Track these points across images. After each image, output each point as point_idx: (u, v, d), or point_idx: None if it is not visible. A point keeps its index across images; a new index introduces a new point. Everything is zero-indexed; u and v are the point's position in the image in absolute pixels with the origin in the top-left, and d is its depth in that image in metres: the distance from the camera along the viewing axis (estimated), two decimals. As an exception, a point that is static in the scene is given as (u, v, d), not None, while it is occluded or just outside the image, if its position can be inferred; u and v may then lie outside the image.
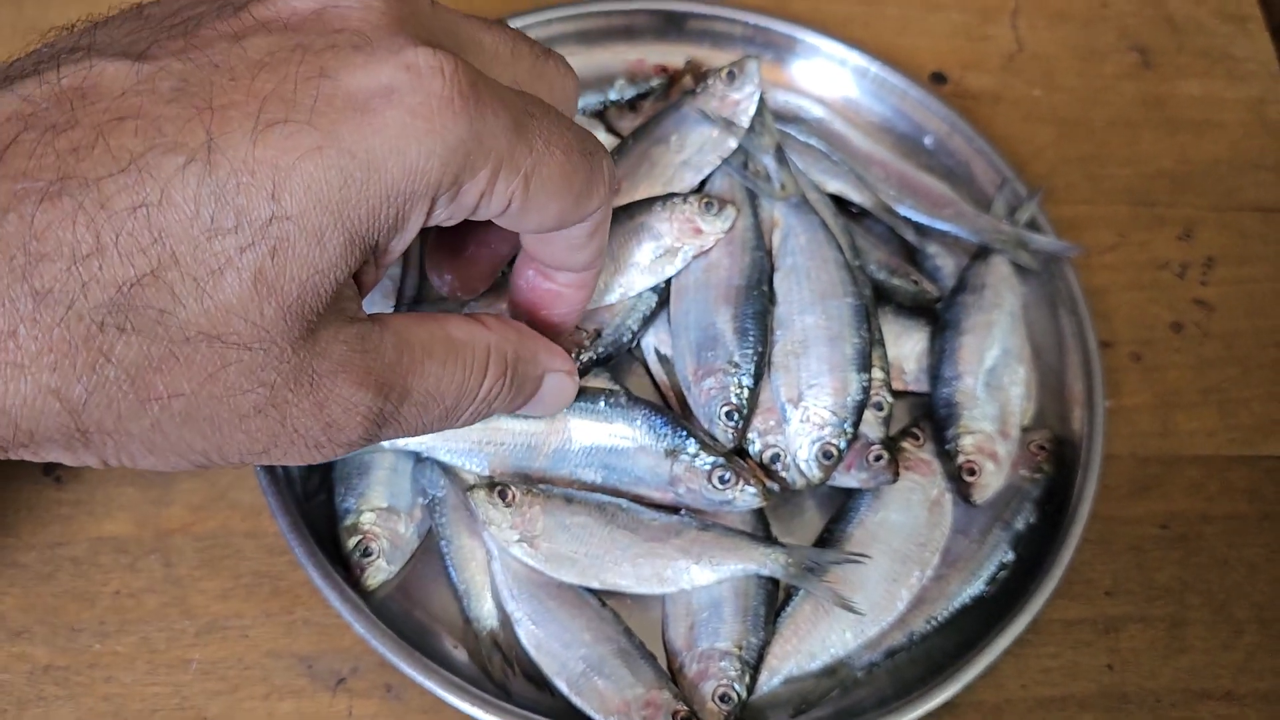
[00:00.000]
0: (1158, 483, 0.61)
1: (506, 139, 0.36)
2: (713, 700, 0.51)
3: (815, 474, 0.54)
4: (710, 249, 0.57)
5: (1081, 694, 0.55)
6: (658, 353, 0.58)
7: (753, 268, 0.57)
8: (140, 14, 0.36)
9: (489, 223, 0.46)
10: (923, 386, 0.59)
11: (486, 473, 0.54)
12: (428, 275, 0.51)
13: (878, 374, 0.56)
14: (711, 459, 0.53)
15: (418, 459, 0.54)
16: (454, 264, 0.50)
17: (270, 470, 0.51)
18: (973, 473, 0.55)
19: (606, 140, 0.62)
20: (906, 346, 0.60)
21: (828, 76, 0.68)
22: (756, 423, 0.55)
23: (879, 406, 0.56)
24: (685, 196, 0.57)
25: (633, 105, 0.65)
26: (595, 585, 0.52)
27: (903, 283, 0.60)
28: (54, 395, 0.31)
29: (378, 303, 0.56)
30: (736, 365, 0.54)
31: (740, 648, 0.52)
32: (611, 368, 0.57)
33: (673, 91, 0.66)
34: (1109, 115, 0.72)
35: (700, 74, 0.66)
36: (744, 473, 0.53)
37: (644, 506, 0.53)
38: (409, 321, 0.39)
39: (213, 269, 0.31)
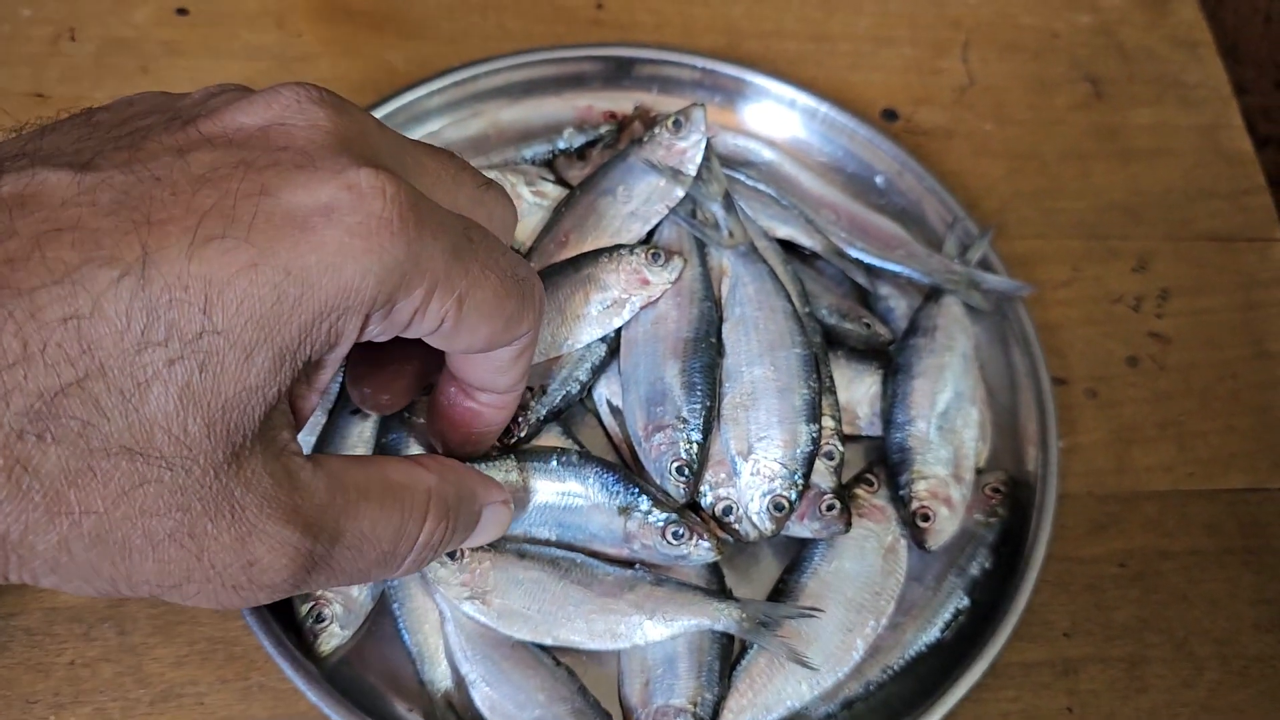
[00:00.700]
0: (1115, 520, 0.61)
1: (444, 261, 0.36)
2: (669, 758, 0.50)
3: (767, 526, 0.53)
4: (658, 300, 0.57)
5: (1041, 738, 0.55)
6: (610, 404, 0.58)
7: (701, 319, 0.56)
8: (90, 120, 0.36)
9: (415, 341, 0.45)
10: (876, 431, 0.59)
11: None
12: (347, 389, 0.51)
13: (829, 423, 0.56)
14: (664, 515, 0.52)
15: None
16: (375, 379, 0.50)
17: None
18: (927, 519, 0.55)
19: (554, 191, 0.62)
20: (859, 391, 0.60)
21: (777, 118, 0.68)
22: (708, 475, 0.54)
23: (830, 455, 0.56)
24: (632, 247, 0.57)
25: (581, 154, 0.65)
26: (549, 641, 0.52)
27: (855, 326, 0.60)
28: None
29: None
30: (685, 420, 0.54)
31: (695, 704, 0.51)
32: (564, 420, 0.57)
33: (622, 138, 0.66)
34: (1061, 147, 0.73)
35: (649, 119, 0.66)
36: (697, 528, 0.52)
37: (598, 560, 0.53)
38: (345, 462, 0.39)
39: (140, 381, 0.31)
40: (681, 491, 0.53)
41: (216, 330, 0.32)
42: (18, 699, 0.52)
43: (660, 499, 0.53)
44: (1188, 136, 0.74)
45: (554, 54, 0.67)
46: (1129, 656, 0.57)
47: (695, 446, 0.53)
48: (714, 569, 0.55)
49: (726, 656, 0.53)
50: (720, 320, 0.57)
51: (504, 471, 0.52)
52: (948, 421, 0.58)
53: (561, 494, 0.53)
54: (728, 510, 0.54)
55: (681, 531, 0.52)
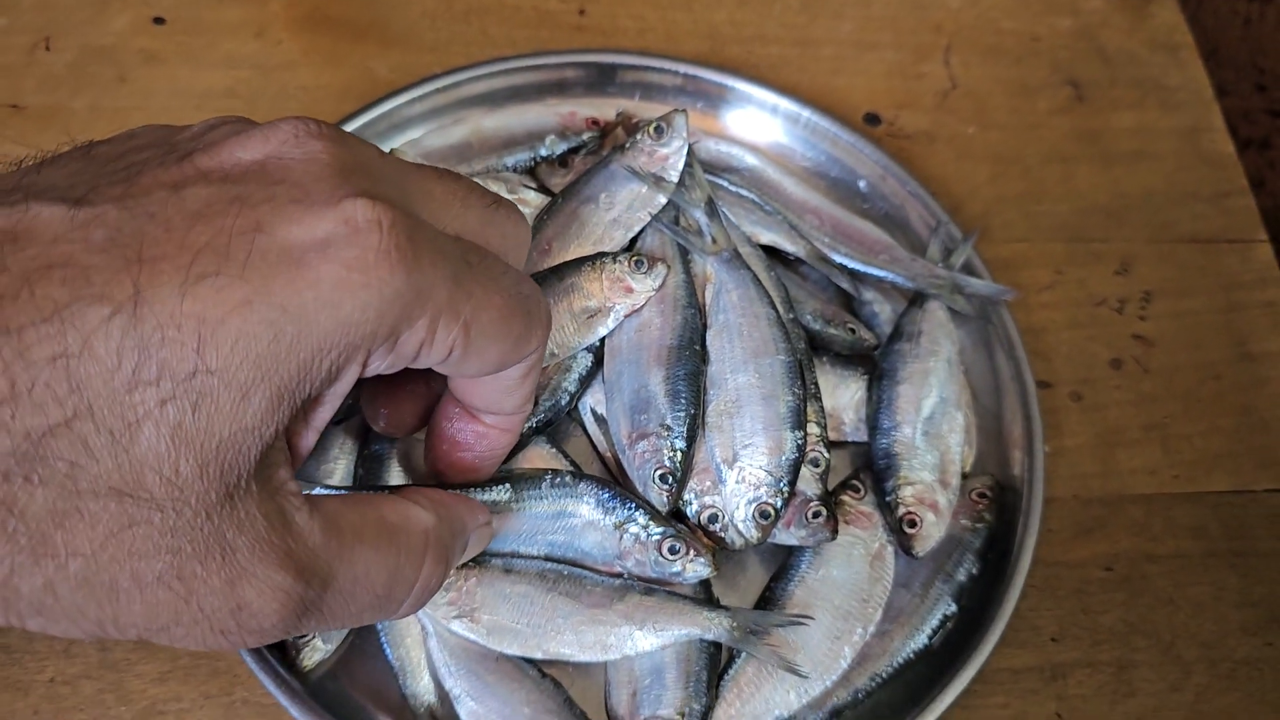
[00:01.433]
0: (1101, 524, 0.61)
1: (445, 289, 0.35)
2: (657, 768, 0.50)
3: (753, 534, 0.53)
4: (642, 307, 0.57)
5: (1030, 743, 0.55)
6: (594, 413, 0.57)
7: (684, 326, 0.56)
8: (89, 154, 0.35)
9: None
10: (862, 436, 0.59)
11: None
12: (363, 411, 0.50)
13: (813, 429, 0.56)
14: (660, 530, 0.52)
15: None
16: (391, 401, 0.48)
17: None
18: (914, 524, 0.55)
19: (536, 198, 0.62)
20: (844, 396, 0.60)
21: (760, 124, 0.68)
22: (693, 484, 0.54)
23: (815, 463, 0.55)
24: (615, 255, 0.57)
25: (564, 161, 0.64)
26: (539, 655, 0.52)
27: (839, 331, 0.60)
28: None
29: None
30: (669, 428, 0.53)
31: (683, 714, 0.51)
32: (550, 432, 0.57)
33: (605, 144, 0.66)
34: (1043, 151, 0.73)
35: (631, 126, 0.66)
36: (693, 543, 0.52)
37: (586, 571, 0.53)
38: (341, 504, 0.38)
39: (130, 421, 0.30)
40: (664, 500, 0.53)
41: (210, 370, 0.31)
42: (-3, 718, 0.51)
43: (656, 514, 0.53)
44: (1169, 139, 0.74)
45: (536, 61, 0.67)
46: (1116, 661, 0.57)
47: (679, 454, 0.53)
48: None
49: (714, 666, 0.53)
50: (704, 327, 0.57)
51: (496, 495, 0.52)
52: (933, 426, 0.58)
53: (555, 514, 0.52)
54: (713, 518, 0.54)
55: (677, 546, 0.52)
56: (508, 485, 0.52)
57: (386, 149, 0.63)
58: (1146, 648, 0.58)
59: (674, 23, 0.74)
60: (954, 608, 0.55)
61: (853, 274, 0.63)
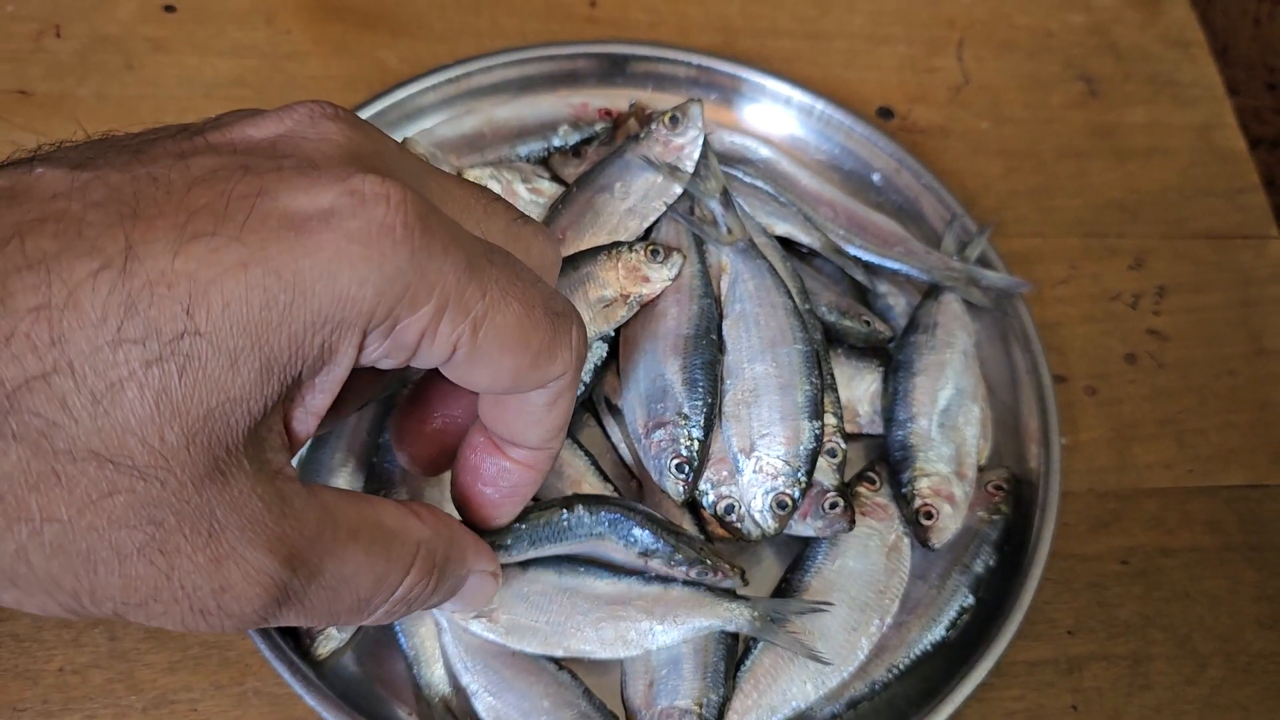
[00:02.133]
0: (1116, 518, 0.60)
1: (455, 277, 0.33)
2: (674, 759, 0.50)
3: (770, 524, 0.53)
4: (658, 297, 0.57)
5: (1047, 737, 0.55)
6: (608, 403, 0.57)
7: (701, 316, 0.56)
8: (106, 137, 0.35)
9: (456, 397, 0.43)
10: (877, 429, 0.59)
11: None
12: (391, 447, 0.48)
13: (830, 420, 0.55)
14: (688, 561, 0.50)
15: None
16: (417, 438, 0.46)
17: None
18: (930, 516, 0.55)
19: (551, 188, 0.61)
20: (859, 389, 0.59)
21: (774, 116, 0.67)
22: (709, 474, 0.54)
23: (832, 453, 0.55)
24: (631, 244, 0.57)
25: (577, 151, 0.64)
26: (559, 653, 0.51)
27: (854, 324, 0.60)
28: None
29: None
30: (686, 417, 0.53)
31: (700, 705, 0.51)
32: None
33: (617, 135, 0.65)
34: (1057, 146, 0.72)
35: (645, 117, 0.65)
36: (721, 566, 0.51)
37: (602, 568, 0.52)
38: (340, 498, 0.37)
39: (112, 382, 0.29)
40: (680, 489, 0.53)
41: (199, 332, 0.30)
42: (5, 707, 0.51)
43: (680, 543, 0.51)
44: (1182, 135, 0.74)
45: (549, 51, 0.67)
46: (1132, 654, 0.57)
47: (696, 443, 0.53)
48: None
49: (731, 657, 0.52)
50: (720, 317, 0.57)
51: (513, 535, 0.49)
52: (949, 419, 0.57)
53: (577, 550, 0.51)
54: (729, 509, 0.53)
55: (706, 574, 0.51)
56: (521, 525, 0.49)
57: (398, 138, 0.63)
58: (1162, 641, 0.57)
59: (686, 15, 0.74)
60: (971, 599, 0.55)
61: (867, 266, 0.63)
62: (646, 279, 0.56)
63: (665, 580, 0.52)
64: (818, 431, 0.54)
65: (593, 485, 0.55)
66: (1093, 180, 0.72)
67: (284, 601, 0.35)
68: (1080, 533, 0.60)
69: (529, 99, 0.66)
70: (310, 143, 0.34)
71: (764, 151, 0.66)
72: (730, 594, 0.52)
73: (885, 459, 0.58)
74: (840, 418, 0.56)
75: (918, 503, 0.55)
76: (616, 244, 0.57)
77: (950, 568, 0.56)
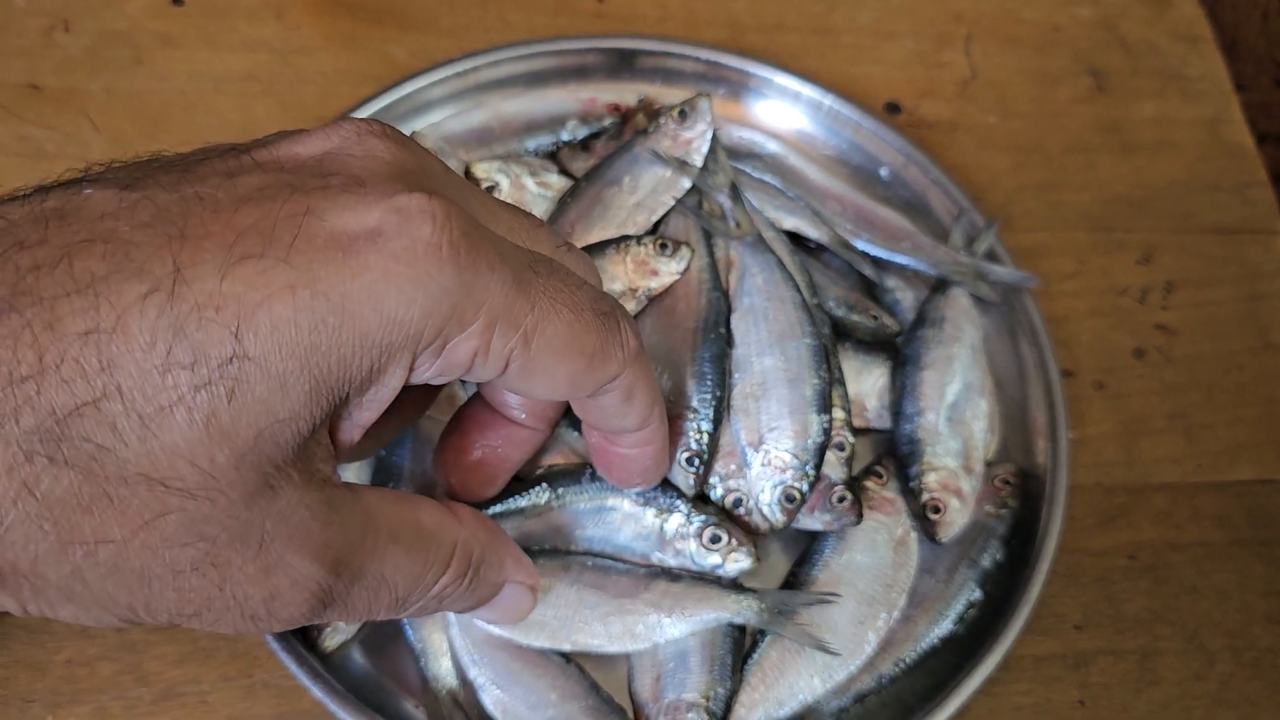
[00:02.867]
0: (1124, 512, 0.60)
1: (503, 293, 0.34)
2: (681, 752, 0.50)
3: (778, 518, 0.53)
4: (666, 290, 0.57)
5: (1054, 731, 0.55)
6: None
7: (709, 309, 0.56)
8: (156, 157, 0.35)
9: (496, 427, 0.43)
10: (885, 423, 0.59)
11: None
12: (433, 470, 0.48)
13: (839, 414, 0.55)
14: (703, 517, 0.52)
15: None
16: (457, 466, 0.47)
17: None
18: (937, 510, 0.55)
19: (559, 182, 0.61)
20: (867, 383, 0.59)
21: (782, 111, 0.67)
22: (718, 467, 0.54)
23: (841, 447, 0.55)
24: (640, 238, 0.57)
25: (585, 145, 0.64)
26: (567, 648, 0.51)
27: (862, 318, 0.60)
28: None
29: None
30: (695, 410, 0.53)
31: (708, 698, 0.51)
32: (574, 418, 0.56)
33: (626, 130, 0.65)
34: (1065, 140, 0.72)
35: (653, 112, 0.65)
36: (735, 533, 0.52)
37: (611, 561, 0.52)
38: (381, 500, 0.37)
39: (161, 406, 0.29)
40: (690, 482, 0.53)
41: (247, 356, 0.30)
42: (15, 698, 0.51)
43: (698, 504, 0.52)
44: (1190, 130, 0.74)
45: (557, 46, 0.67)
46: (1140, 649, 0.57)
47: (705, 436, 0.53)
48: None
49: (738, 651, 0.52)
50: (729, 310, 0.57)
51: (535, 496, 0.52)
52: (957, 413, 0.57)
53: (595, 509, 0.52)
54: (738, 502, 0.53)
55: (719, 535, 0.51)
56: (545, 485, 0.52)
57: (406, 132, 0.63)
58: (1170, 636, 0.57)
59: (693, 10, 0.74)
60: (979, 593, 0.55)
61: (875, 261, 0.63)
62: (655, 272, 0.56)
63: (672, 575, 0.52)
64: (826, 425, 0.54)
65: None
66: (1100, 175, 0.71)
67: (329, 604, 0.35)
68: (1088, 527, 0.60)
69: (537, 93, 0.66)
70: (356, 160, 0.34)
71: (772, 146, 0.66)
72: (738, 586, 0.52)
73: (893, 453, 0.58)
74: (848, 412, 0.56)
75: (925, 497, 0.55)
76: (625, 238, 0.57)
77: (958, 562, 0.56)
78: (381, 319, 0.32)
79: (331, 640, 0.51)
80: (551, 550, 0.53)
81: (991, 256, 0.62)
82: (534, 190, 0.60)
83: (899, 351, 0.60)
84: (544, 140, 0.65)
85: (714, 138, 0.60)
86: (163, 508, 0.30)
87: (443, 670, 0.52)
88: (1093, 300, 0.67)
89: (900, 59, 0.75)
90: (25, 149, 0.64)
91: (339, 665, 0.51)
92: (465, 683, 0.51)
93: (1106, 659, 0.56)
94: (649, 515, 0.52)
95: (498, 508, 0.52)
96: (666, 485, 0.52)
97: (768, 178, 0.64)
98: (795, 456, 0.53)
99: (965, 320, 0.60)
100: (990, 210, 0.66)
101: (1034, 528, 0.56)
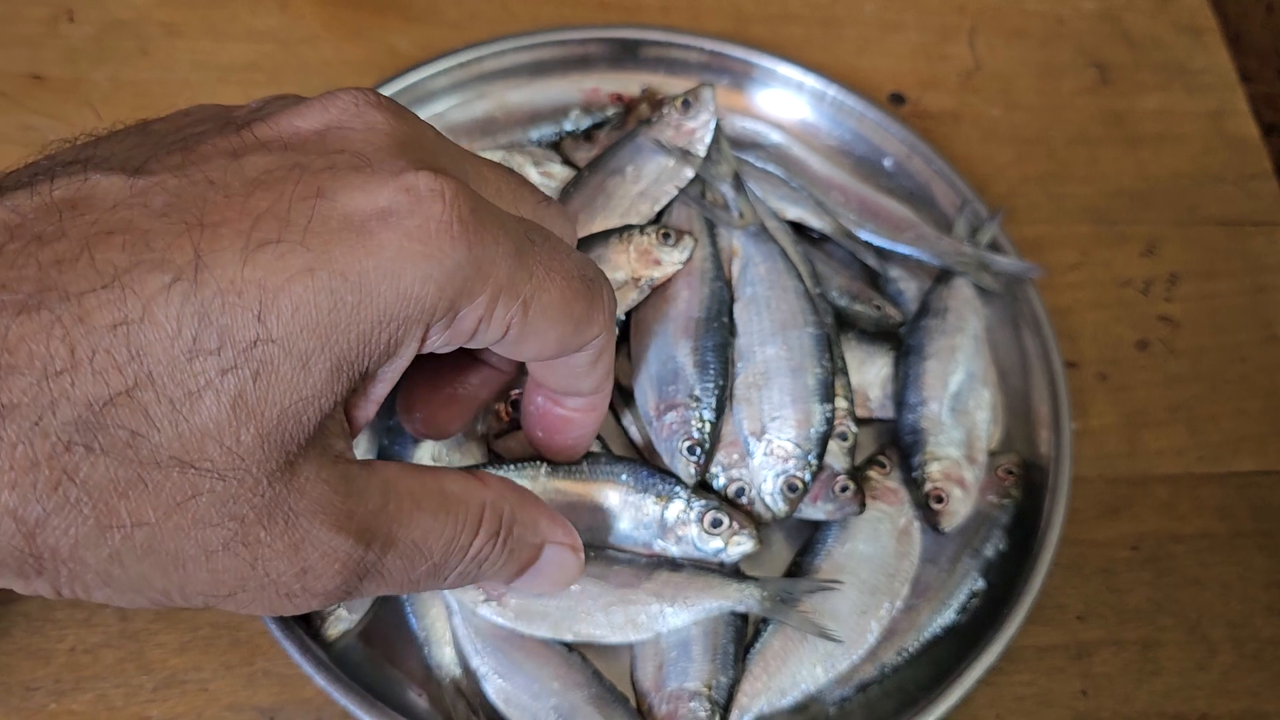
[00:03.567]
0: (1127, 504, 0.60)
1: (507, 265, 0.35)
2: (683, 741, 0.50)
3: (780, 507, 0.53)
4: (669, 280, 0.57)
5: (1056, 721, 0.55)
6: (619, 385, 0.57)
7: (712, 299, 0.56)
8: (145, 129, 0.35)
9: (469, 363, 0.44)
10: (888, 413, 0.59)
11: None
12: (398, 413, 0.49)
13: (841, 403, 0.55)
14: (704, 502, 0.52)
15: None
16: (428, 403, 0.48)
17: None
18: (940, 500, 0.55)
19: (562, 172, 0.61)
20: (870, 373, 0.59)
21: (785, 101, 0.67)
22: (720, 457, 0.54)
23: (843, 437, 0.55)
24: (642, 228, 0.57)
25: (588, 135, 0.64)
26: (569, 638, 0.51)
27: (865, 308, 0.60)
28: (10, 515, 0.29)
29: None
30: (698, 399, 0.53)
31: (710, 687, 0.51)
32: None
33: (629, 120, 0.65)
34: (1068, 133, 0.72)
35: (656, 102, 0.65)
36: (737, 517, 0.52)
37: (614, 551, 0.52)
38: (400, 470, 0.38)
39: (190, 391, 0.30)
40: (692, 471, 0.53)
41: (271, 338, 0.31)
42: (18, 686, 0.51)
43: (698, 490, 0.52)
44: (1194, 122, 0.74)
45: (560, 36, 0.67)
46: (1142, 640, 0.57)
47: (707, 425, 0.53)
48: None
49: (740, 640, 0.52)
50: (732, 300, 0.57)
51: (531, 478, 0.51)
52: (960, 403, 0.57)
53: (594, 494, 0.52)
54: (740, 492, 0.53)
55: (720, 519, 0.51)
56: (543, 463, 0.51)
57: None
58: (1172, 627, 0.57)
59: (697, 1, 0.74)
60: (982, 583, 0.55)
61: (879, 251, 0.63)
62: (658, 262, 0.56)
63: (674, 565, 0.52)
64: (829, 415, 0.54)
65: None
66: (1104, 167, 0.71)
67: (363, 575, 0.36)
68: (1090, 518, 0.60)
69: (540, 83, 0.66)
70: (358, 134, 0.35)
71: (775, 136, 0.66)
72: (740, 575, 0.52)
73: (896, 443, 0.58)
74: (851, 401, 0.56)
75: (928, 486, 0.55)
76: (628, 227, 0.57)
77: (961, 552, 0.56)
78: (398, 295, 0.32)
79: (334, 628, 0.51)
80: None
81: (995, 247, 0.62)
82: (537, 180, 0.60)
83: (902, 341, 0.60)
84: (547, 130, 0.65)
85: (717, 128, 0.60)
86: (194, 489, 0.31)
87: (446, 659, 0.52)
88: (1096, 292, 0.67)
89: (904, 50, 0.75)
90: (29, 139, 0.64)
91: (341, 653, 0.51)
92: (468, 672, 0.51)
93: (1109, 649, 0.56)
94: (649, 503, 0.52)
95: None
96: (662, 472, 0.53)
97: (771, 168, 0.64)
98: (798, 446, 0.53)
99: (968, 311, 0.60)
100: (994, 202, 0.66)
101: (1037, 518, 0.56)
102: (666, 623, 0.51)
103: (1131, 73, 0.75)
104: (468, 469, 0.42)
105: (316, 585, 0.35)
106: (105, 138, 0.35)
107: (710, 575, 0.52)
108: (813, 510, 0.54)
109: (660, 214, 0.60)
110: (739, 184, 0.60)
